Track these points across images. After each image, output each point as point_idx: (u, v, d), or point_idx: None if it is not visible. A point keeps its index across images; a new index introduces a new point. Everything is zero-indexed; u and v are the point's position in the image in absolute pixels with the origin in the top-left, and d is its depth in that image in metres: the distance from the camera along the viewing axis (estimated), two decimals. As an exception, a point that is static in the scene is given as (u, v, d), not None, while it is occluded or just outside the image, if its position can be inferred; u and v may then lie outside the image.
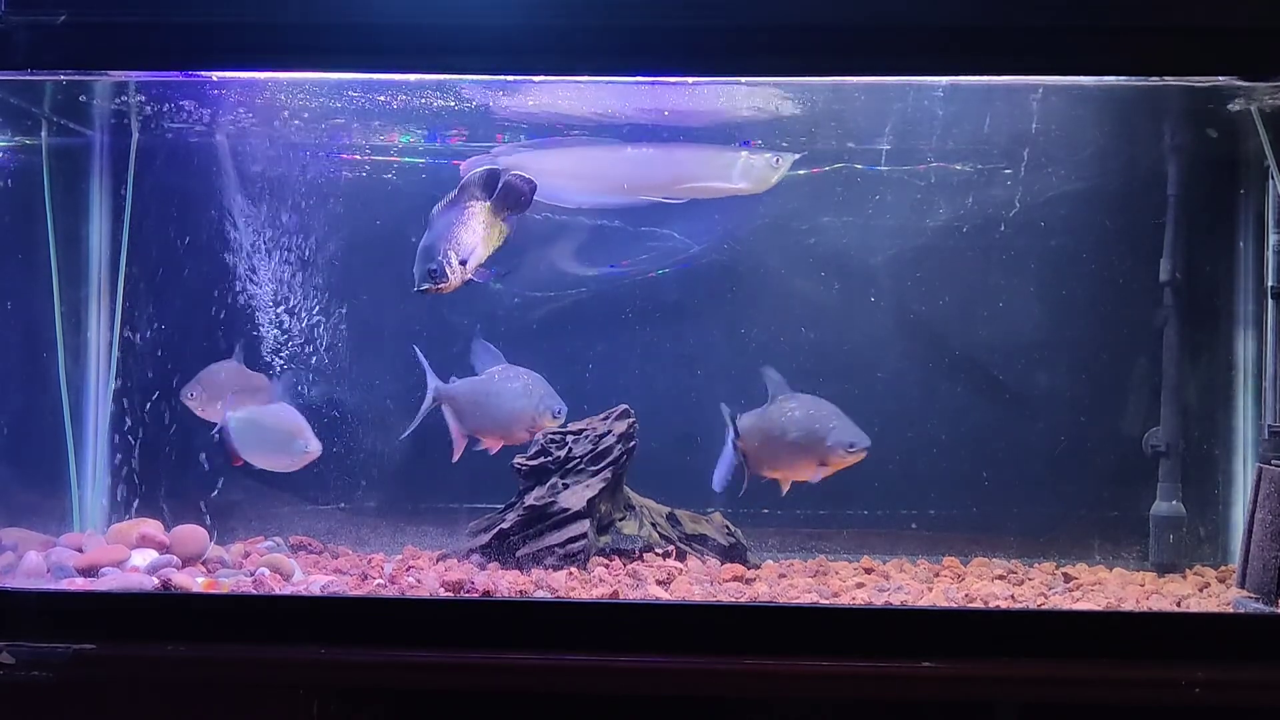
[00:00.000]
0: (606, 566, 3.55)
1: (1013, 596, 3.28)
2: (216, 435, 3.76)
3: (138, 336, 3.94)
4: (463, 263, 3.46)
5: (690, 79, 3.39)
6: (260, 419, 3.78)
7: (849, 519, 3.95)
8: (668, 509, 3.84)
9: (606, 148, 3.78)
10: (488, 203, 3.49)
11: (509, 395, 3.78)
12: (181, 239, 3.95)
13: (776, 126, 3.74)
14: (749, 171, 3.71)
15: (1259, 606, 3.16)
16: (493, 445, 3.81)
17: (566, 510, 3.64)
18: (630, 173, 3.79)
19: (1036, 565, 3.77)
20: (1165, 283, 3.85)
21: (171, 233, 3.95)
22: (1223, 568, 3.71)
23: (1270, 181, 3.51)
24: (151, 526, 3.68)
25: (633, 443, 3.75)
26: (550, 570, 3.48)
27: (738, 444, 3.68)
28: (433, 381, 3.83)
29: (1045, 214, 3.91)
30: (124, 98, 3.68)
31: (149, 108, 3.71)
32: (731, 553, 3.76)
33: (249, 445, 3.76)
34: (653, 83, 3.45)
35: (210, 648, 2.86)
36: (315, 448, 3.74)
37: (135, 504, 3.92)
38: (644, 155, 3.78)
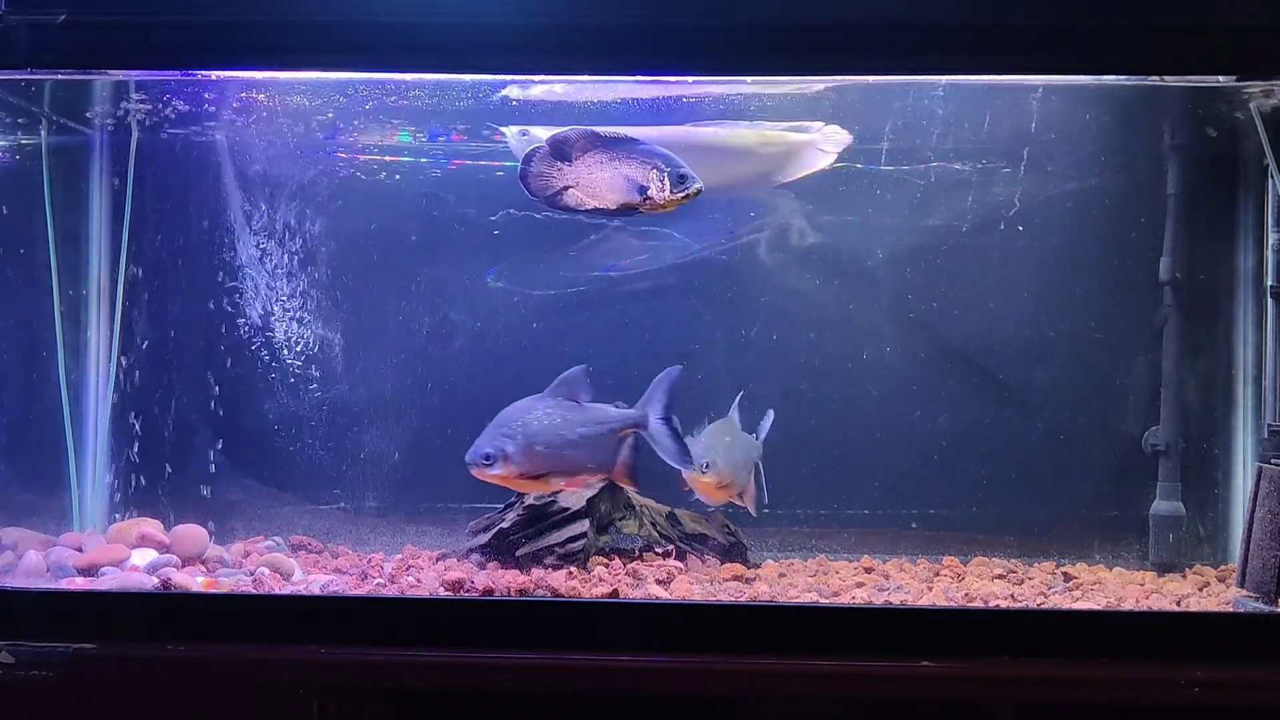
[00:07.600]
0: (606, 566, 3.55)
1: (1013, 596, 3.28)
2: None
3: (137, 335, 3.94)
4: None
5: (690, 79, 3.40)
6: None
7: (849, 519, 3.94)
8: (668, 508, 3.84)
9: None
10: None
11: None
12: (183, 238, 3.95)
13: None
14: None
15: (1259, 606, 3.16)
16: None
17: (566, 510, 3.64)
18: None
19: (1036, 565, 3.76)
20: (1165, 282, 3.85)
21: (173, 231, 3.94)
22: (1222, 567, 3.71)
23: (1270, 181, 3.51)
24: (151, 526, 3.68)
25: (632, 442, 3.75)
26: (550, 570, 3.48)
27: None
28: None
29: (1044, 213, 3.91)
30: (125, 96, 3.68)
31: (149, 106, 3.71)
32: (731, 552, 3.75)
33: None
34: (652, 82, 3.45)
35: (210, 648, 2.87)
36: None
37: (134, 502, 3.92)
38: None
